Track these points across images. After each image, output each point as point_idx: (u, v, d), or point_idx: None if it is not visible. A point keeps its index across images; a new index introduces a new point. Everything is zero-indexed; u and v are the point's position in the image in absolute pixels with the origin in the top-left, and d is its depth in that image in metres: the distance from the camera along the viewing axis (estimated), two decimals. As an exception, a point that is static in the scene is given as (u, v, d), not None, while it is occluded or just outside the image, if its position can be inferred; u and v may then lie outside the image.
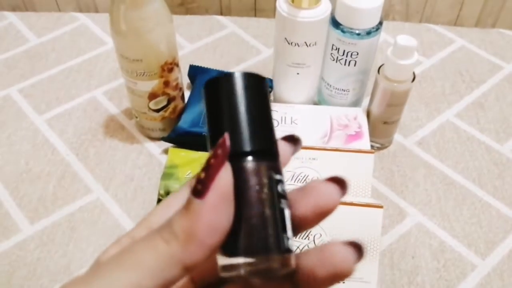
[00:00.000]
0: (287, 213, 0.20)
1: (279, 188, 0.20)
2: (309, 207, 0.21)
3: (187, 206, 0.19)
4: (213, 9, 0.78)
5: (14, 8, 0.79)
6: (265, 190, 0.20)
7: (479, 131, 0.61)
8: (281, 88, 0.58)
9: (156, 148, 0.58)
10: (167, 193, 0.51)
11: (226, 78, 0.21)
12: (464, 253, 0.50)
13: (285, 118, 0.55)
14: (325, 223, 0.22)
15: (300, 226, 0.21)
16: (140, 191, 0.54)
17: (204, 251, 0.18)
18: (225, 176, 0.19)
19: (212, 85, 0.21)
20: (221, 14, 0.78)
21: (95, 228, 0.51)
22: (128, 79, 0.52)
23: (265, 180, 0.20)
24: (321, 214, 0.21)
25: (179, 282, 0.19)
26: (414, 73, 0.52)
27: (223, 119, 0.20)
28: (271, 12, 0.78)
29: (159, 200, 0.51)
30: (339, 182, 0.21)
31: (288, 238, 0.20)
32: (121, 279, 0.18)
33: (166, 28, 0.49)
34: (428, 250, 0.50)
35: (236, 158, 0.20)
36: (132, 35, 0.48)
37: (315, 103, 0.61)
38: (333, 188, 0.21)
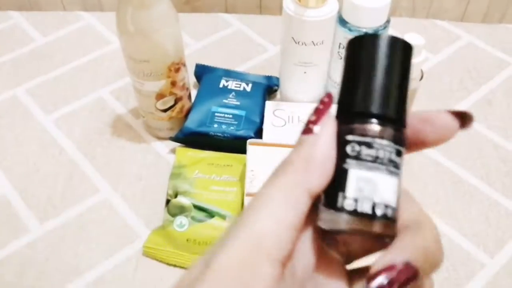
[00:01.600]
0: (352, 176, 0.20)
1: (348, 148, 0.21)
2: (428, 135, 0.21)
3: (299, 143, 0.21)
4: (218, 7, 0.78)
5: (19, 8, 0.79)
6: (342, 147, 0.21)
7: (487, 128, 0.61)
8: (288, 87, 0.58)
9: (164, 147, 0.58)
10: (176, 193, 0.51)
11: (372, 38, 0.21)
12: (473, 252, 0.49)
13: (292, 117, 0.55)
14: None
15: (417, 145, 0.22)
16: (148, 191, 0.54)
17: (325, 174, 0.20)
18: (330, 120, 0.21)
19: (357, 42, 0.22)
20: (226, 11, 0.78)
21: (104, 228, 0.51)
22: (135, 79, 0.52)
23: (343, 139, 0.21)
24: (435, 143, 0.22)
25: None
26: (422, 71, 0.52)
27: (359, 77, 0.21)
28: (277, 10, 0.78)
29: (167, 201, 0.51)
30: (460, 116, 0.21)
31: (345, 198, 0.20)
32: (259, 220, 0.19)
33: (173, 28, 0.49)
34: (437, 249, 0.50)
35: (354, 116, 0.21)
36: (139, 36, 0.47)
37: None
38: (453, 123, 0.21)
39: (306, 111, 0.56)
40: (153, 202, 0.53)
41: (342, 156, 0.21)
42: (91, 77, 0.67)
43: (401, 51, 0.21)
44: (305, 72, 0.54)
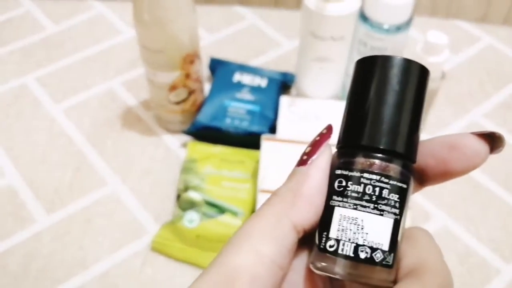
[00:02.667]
0: (336, 214, 0.19)
1: (336, 184, 0.19)
2: (455, 163, 0.19)
3: (291, 175, 0.20)
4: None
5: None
6: (331, 182, 0.20)
7: (508, 132, 0.59)
8: (304, 82, 0.56)
9: (174, 141, 0.57)
10: (186, 187, 0.50)
11: (384, 59, 0.20)
12: (489, 258, 0.48)
13: (307, 113, 0.53)
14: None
15: (442, 175, 0.20)
16: (157, 185, 0.53)
17: (312, 210, 0.19)
18: (325, 153, 0.20)
19: (367, 62, 0.20)
20: (242, 4, 0.77)
21: (111, 221, 0.50)
22: (149, 70, 0.51)
23: (336, 172, 0.20)
24: (463, 172, 0.19)
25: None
26: (443, 71, 0.51)
27: (364, 105, 0.20)
28: (293, 3, 0.76)
29: (178, 195, 0.50)
30: (490, 139, 0.19)
31: (328, 238, 0.19)
32: (238, 253, 0.18)
33: (189, 18, 0.48)
34: (453, 254, 0.48)
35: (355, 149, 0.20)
36: (155, 25, 0.46)
37: (340, 99, 0.60)
38: (483, 147, 0.19)
39: (322, 107, 0.54)
40: (162, 197, 0.52)
41: (330, 192, 0.20)
42: (102, 67, 0.66)
43: (417, 76, 0.20)
44: (321, 68, 0.53)
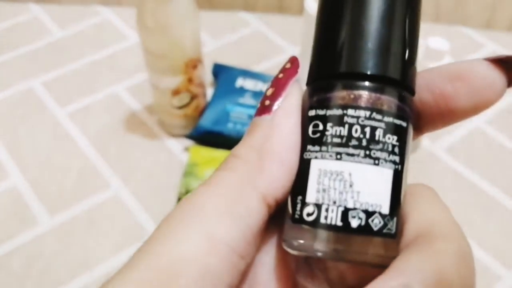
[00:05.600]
0: (314, 169, 0.14)
1: (311, 130, 0.14)
2: (461, 99, 0.14)
3: (253, 128, 0.15)
4: (238, 4, 0.77)
5: (38, 0, 0.79)
6: (305, 129, 0.14)
7: (509, 139, 0.59)
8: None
9: (177, 145, 0.58)
10: (187, 191, 0.50)
11: None
12: (490, 264, 0.48)
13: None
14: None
15: (443, 116, 0.15)
16: (159, 189, 0.53)
17: (286, 171, 0.14)
18: (294, 93, 0.15)
19: None
20: (246, 9, 0.77)
21: (113, 224, 0.51)
22: (152, 74, 0.52)
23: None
24: (471, 111, 0.14)
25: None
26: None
27: (340, 20, 0.15)
28: (297, 10, 0.77)
29: (179, 199, 0.50)
30: (507, 66, 0.14)
31: (304, 203, 0.14)
32: (181, 240, 0.13)
33: (192, 24, 0.49)
34: (454, 261, 0.48)
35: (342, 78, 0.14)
36: (158, 31, 0.47)
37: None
38: (498, 77, 0.14)
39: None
40: (164, 200, 0.52)
41: (304, 141, 0.14)
42: (107, 73, 0.67)
43: None
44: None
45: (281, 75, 0.15)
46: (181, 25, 0.47)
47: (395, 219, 0.14)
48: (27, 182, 0.54)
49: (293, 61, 0.16)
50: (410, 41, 0.15)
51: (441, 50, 0.48)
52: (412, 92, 0.15)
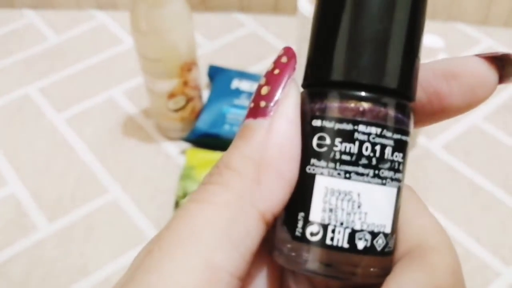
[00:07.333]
0: (319, 186, 0.13)
1: (315, 142, 0.13)
2: (454, 96, 0.14)
3: (245, 132, 0.13)
4: (233, 5, 0.77)
5: (34, 5, 0.79)
6: (308, 140, 0.13)
7: (507, 135, 0.59)
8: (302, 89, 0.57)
9: (174, 148, 0.58)
10: (185, 194, 0.50)
11: None
12: (489, 261, 0.48)
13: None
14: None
15: (435, 113, 0.15)
16: (157, 192, 0.53)
17: (283, 183, 0.13)
18: (292, 95, 0.13)
19: None
20: (241, 10, 0.77)
21: (112, 229, 0.51)
22: (148, 78, 0.52)
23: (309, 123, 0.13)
24: (464, 109, 0.14)
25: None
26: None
27: (338, 25, 0.14)
28: (293, 10, 0.77)
29: (176, 203, 0.50)
30: (499, 62, 0.14)
31: (308, 222, 0.13)
32: (185, 267, 0.12)
33: (186, 27, 0.49)
34: (452, 258, 0.48)
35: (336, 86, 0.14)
36: (153, 34, 0.47)
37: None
38: (491, 74, 0.14)
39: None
40: (162, 204, 0.52)
41: (306, 153, 0.13)
42: (103, 77, 0.67)
43: None
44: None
45: (276, 71, 0.14)
46: (175, 28, 0.47)
47: (394, 236, 0.14)
48: (26, 189, 0.54)
49: (290, 55, 0.14)
50: (417, 53, 0.14)
51: (435, 47, 0.48)
52: (412, 98, 0.15)
